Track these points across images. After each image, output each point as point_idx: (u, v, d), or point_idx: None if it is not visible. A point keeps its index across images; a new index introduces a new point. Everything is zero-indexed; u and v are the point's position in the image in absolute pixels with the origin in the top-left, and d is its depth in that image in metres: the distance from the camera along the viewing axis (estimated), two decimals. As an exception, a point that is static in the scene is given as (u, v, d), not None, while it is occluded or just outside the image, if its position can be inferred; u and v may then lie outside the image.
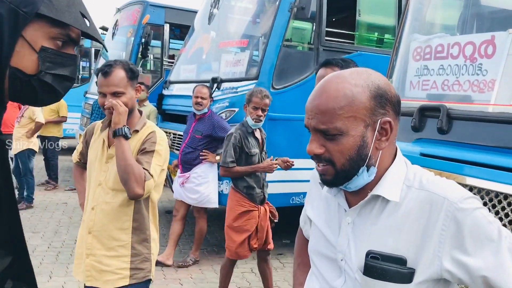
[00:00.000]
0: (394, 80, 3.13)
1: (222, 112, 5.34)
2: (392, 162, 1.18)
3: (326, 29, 5.32)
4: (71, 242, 5.53)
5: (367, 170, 1.14)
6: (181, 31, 11.41)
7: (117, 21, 9.65)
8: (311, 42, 5.52)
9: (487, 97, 2.52)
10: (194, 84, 6.02)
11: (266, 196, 4.11)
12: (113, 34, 9.67)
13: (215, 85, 5.36)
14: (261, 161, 4.07)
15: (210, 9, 6.30)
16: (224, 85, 5.34)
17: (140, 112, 2.42)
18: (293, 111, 5.19)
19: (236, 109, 5.11)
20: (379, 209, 1.17)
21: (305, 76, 5.22)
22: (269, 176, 5.32)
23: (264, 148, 4.19)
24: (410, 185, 1.15)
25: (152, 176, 2.20)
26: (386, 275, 1.09)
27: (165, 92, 6.72)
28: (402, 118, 2.90)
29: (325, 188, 1.29)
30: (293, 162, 4.20)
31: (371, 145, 1.13)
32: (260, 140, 4.14)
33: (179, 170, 5.09)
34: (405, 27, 3.18)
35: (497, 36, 2.55)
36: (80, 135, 9.38)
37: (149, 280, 2.37)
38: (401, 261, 1.10)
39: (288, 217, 6.59)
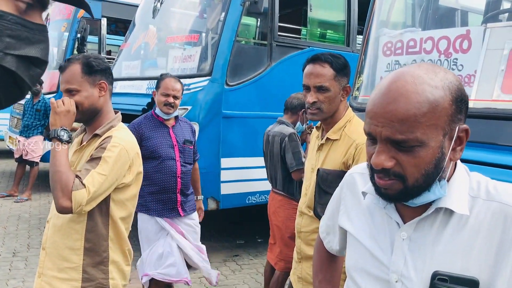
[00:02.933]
0: (364, 76, 3.06)
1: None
2: (454, 170, 1.06)
3: (279, 24, 5.20)
4: (9, 255, 5.06)
5: (439, 184, 1.01)
6: (117, 26, 10.92)
7: (48, 15, 9.03)
8: (264, 38, 5.39)
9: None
10: (138, 82, 5.75)
11: None
12: (44, 28, 9.03)
13: (165, 82, 5.08)
14: None
15: (154, 3, 6.00)
16: (175, 82, 5.08)
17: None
18: (248, 108, 5.05)
19: (189, 107, 4.88)
20: (442, 223, 1.03)
21: (259, 72, 5.07)
22: (223, 177, 5.14)
23: None
24: (476, 196, 1.03)
25: (84, 186, 1.80)
26: None
27: (106, 90, 6.31)
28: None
29: (369, 197, 1.15)
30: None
31: (447, 156, 1.00)
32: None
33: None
34: (373, 21, 3.12)
35: (473, 30, 2.53)
36: (10, 137, 8.70)
37: None
38: (474, 283, 0.97)
39: (242, 217, 6.47)
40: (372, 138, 1.02)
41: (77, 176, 1.83)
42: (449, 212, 1.02)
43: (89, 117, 2.01)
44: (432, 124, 0.95)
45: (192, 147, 3.52)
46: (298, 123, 3.79)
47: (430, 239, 1.03)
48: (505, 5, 3.34)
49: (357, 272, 1.16)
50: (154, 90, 3.38)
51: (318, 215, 2.03)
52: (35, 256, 4.97)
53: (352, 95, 3.04)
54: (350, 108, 2.18)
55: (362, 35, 6.40)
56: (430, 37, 2.70)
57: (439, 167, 0.98)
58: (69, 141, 1.91)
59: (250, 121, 5.05)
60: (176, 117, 3.49)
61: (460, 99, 0.99)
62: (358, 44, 5.97)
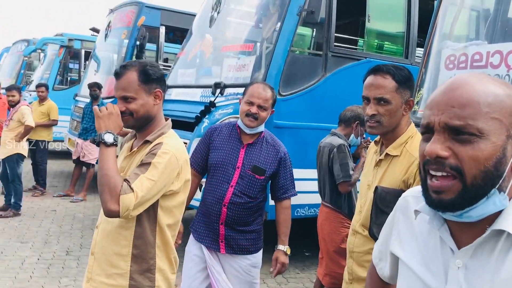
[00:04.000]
0: (424, 90, 2.93)
1: (226, 119, 5.10)
2: None
3: (335, 34, 5.11)
4: (62, 254, 5.22)
5: (500, 195, 0.91)
6: (174, 34, 11.16)
7: (110, 22, 9.37)
8: (319, 48, 5.31)
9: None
10: (193, 89, 5.82)
11: None
12: (106, 35, 9.38)
13: (218, 90, 5.11)
14: None
15: (211, 12, 6.07)
16: (228, 90, 5.10)
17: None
18: (300, 119, 4.98)
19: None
20: (503, 249, 0.92)
21: (313, 83, 5.00)
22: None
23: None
24: None
25: (132, 190, 1.78)
26: None
27: (162, 96, 6.43)
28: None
29: (420, 219, 1.06)
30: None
31: (509, 162, 0.91)
32: None
33: (205, 250, 2.86)
34: (436, 33, 2.99)
35: (546, 44, 2.36)
36: (69, 139, 9.06)
37: None
38: None
39: (291, 230, 6.37)
40: (428, 131, 0.94)
41: (125, 180, 1.82)
42: (511, 238, 0.91)
43: (142, 124, 2.01)
44: (496, 118, 0.88)
45: (263, 177, 2.71)
46: (352, 135, 3.69)
47: (490, 269, 0.92)
48: None
49: None
50: (241, 97, 2.85)
51: (374, 236, 1.93)
52: (87, 256, 5.10)
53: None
54: (413, 124, 2.07)
55: (421, 47, 6.21)
56: (499, 50, 2.55)
57: (500, 170, 0.89)
58: (115, 144, 1.89)
59: (302, 132, 4.97)
60: (261, 135, 2.79)
61: None
62: (418, 56, 5.77)
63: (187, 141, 5.40)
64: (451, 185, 0.91)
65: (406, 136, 2.01)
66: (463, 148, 0.89)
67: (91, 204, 7.50)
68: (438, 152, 0.90)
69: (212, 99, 5.14)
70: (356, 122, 3.67)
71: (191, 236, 2.94)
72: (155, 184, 1.84)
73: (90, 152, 7.64)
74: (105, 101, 7.92)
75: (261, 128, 2.79)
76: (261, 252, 2.87)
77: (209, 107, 5.16)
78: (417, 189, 1.16)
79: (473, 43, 2.74)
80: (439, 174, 0.92)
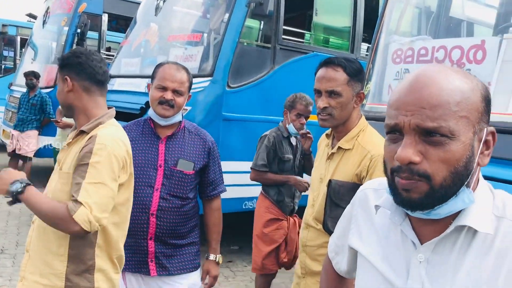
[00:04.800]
0: (372, 84, 2.97)
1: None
2: (477, 185, 0.96)
3: (283, 27, 5.11)
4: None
5: (467, 191, 0.91)
6: (117, 23, 10.80)
7: (48, 8, 8.93)
8: (267, 41, 5.29)
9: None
10: (137, 80, 5.65)
11: (296, 207, 3.81)
12: (44, 22, 8.94)
13: (165, 81, 4.98)
14: (294, 169, 3.76)
15: (157, 0, 5.91)
16: (175, 81, 4.98)
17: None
18: (249, 112, 4.95)
19: (188, 108, 4.77)
20: (464, 245, 0.93)
21: (262, 75, 4.98)
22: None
23: (297, 156, 3.86)
24: (501, 216, 0.93)
25: (80, 203, 1.69)
26: None
27: (105, 87, 6.20)
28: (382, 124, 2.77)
29: (381, 213, 1.05)
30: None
31: (476, 158, 0.91)
32: (295, 147, 3.84)
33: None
34: (383, 28, 3.04)
35: (488, 41, 2.45)
36: (4, 130, 8.56)
37: None
38: None
39: (237, 222, 6.35)
40: (395, 132, 0.92)
41: (72, 197, 1.73)
42: (472, 233, 0.92)
43: (70, 113, 1.95)
44: (464, 116, 0.88)
45: (193, 172, 2.30)
46: (291, 125, 3.67)
47: (451, 263, 0.93)
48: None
49: None
50: (149, 83, 2.38)
51: (328, 229, 1.93)
52: (23, 254, 4.85)
53: (359, 102, 2.95)
54: (363, 117, 2.08)
55: (366, 42, 6.34)
56: (443, 46, 2.62)
57: (469, 169, 0.89)
58: (25, 186, 1.78)
59: (250, 125, 4.95)
60: (181, 125, 2.35)
61: (488, 100, 0.92)
62: (363, 51, 5.89)
63: (132, 133, 5.23)
64: (419, 185, 0.89)
65: (358, 129, 2.02)
66: (434, 150, 0.88)
67: (28, 199, 7.13)
68: (410, 158, 0.88)
69: (158, 90, 5.01)
70: (285, 110, 3.71)
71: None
72: (102, 185, 1.75)
73: (27, 145, 7.26)
74: (43, 91, 7.55)
75: (179, 117, 2.33)
76: (199, 271, 2.44)
77: (155, 98, 5.02)
78: (376, 182, 1.15)
79: (419, 37, 2.80)
80: (408, 182, 0.90)
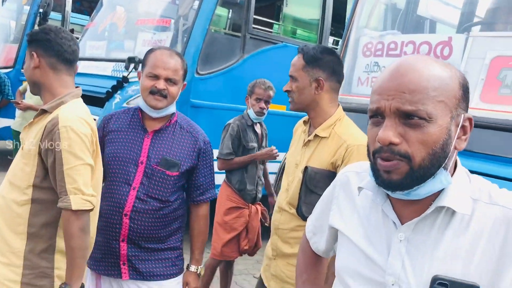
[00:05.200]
0: (342, 74, 3.04)
1: (139, 96, 4.91)
2: (455, 170, 1.03)
3: (254, 16, 5.13)
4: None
5: (445, 173, 0.97)
6: (82, 4, 10.53)
7: (8, -15, 8.57)
8: (237, 29, 5.30)
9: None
10: (103, 63, 5.53)
11: (259, 195, 3.80)
12: (3, 0, 8.57)
13: (132, 65, 4.91)
14: None
15: (126, -17, 5.80)
16: (143, 66, 4.92)
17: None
18: (217, 99, 4.95)
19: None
20: (443, 225, 0.99)
21: (231, 63, 4.98)
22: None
23: (263, 144, 3.84)
24: (477, 199, 1.00)
25: (68, 192, 1.72)
26: None
27: (68, 69, 6.05)
28: (357, 116, 2.84)
29: (362, 195, 1.10)
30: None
31: (453, 142, 0.97)
32: (260, 135, 3.80)
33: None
34: (354, 22, 3.11)
35: (455, 38, 2.55)
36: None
37: None
38: None
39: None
40: (377, 115, 0.98)
41: (61, 196, 1.75)
42: (450, 213, 0.99)
43: (35, 90, 1.94)
44: (441, 101, 0.94)
45: (177, 173, 2.08)
46: (251, 110, 3.67)
47: (430, 242, 0.99)
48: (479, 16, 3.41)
49: (348, 274, 1.11)
50: (139, 70, 2.20)
51: (302, 215, 1.98)
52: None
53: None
54: (341, 107, 2.13)
55: (334, 36, 6.45)
56: (412, 41, 2.71)
57: (446, 151, 0.96)
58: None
59: (218, 112, 4.95)
60: (173, 119, 2.14)
61: (466, 88, 0.99)
62: (330, 44, 5.98)
63: (96, 117, 5.14)
64: (399, 166, 0.95)
65: (335, 119, 2.06)
66: (413, 132, 0.94)
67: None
68: (391, 139, 0.94)
69: (125, 74, 4.93)
70: (246, 96, 3.74)
71: (87, 269, 2.19)
72: (81, 166, 1.76)
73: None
74: (1, 71, 7.27)
75: (172, 108, 2.11)
76: (180, 278, 2.22)
77: (121, 82, 4.94)
78: (357, 166, 1.20)
79: (389, 32, 2.89)
80: (389, 163, 0.96)
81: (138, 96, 4.98)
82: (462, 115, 0.98)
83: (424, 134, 0.94)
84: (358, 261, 1.08)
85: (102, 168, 1.98)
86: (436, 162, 0.95)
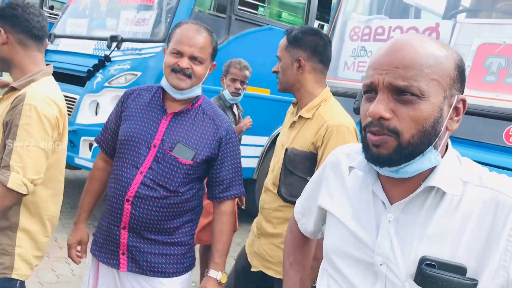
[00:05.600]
0: (329, 58, 3.02)
1: (121, 76, 4.83)
2: (445, 151, 1.02)
3: (240, -3, 5.06)
4: None
5: (434, 152, 0.97)
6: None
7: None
8: (222, 10, 5.22)
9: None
10: (85, 41, 5.41)
11: None
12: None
13: (115, 44, 4.81)
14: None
15: (108, -41, 5.64)
16: (125, 45, 4.82)
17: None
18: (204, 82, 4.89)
19: (138, 73, 4.65)
20: (432, 205, 0.99)
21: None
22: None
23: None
24: (467, 181, 0.99)
25: (10, 168, 1.67)
26: (447, 286, 0.92)
27: (48, 46, 5.91)
28: (342, 99, 2.83)
29: (353, 175, 1.10)
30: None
31: (445, 121, 0.97)
32: (237, 117, 3.71)
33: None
34: (342, 6, 3.08)
35: (442, 24, 2.55)
36: None
37: (10, 280, 1.80)
38: (461, 270, 0.94)
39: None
40: (371, 91, 0.98)
41: (2, 166, 1.69)
42: (440, 195, 0.99)
43: (5, 67, 1.89)
44: (435, 79, 0.94)
45: (191, 163, 1.87)
46: (226, 90, 3.57)
47: (419, 222, 0.99)
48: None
49: (337, 255, 1.11)
50: (165, 46, 2.02)
51: (282, 195, 1.98)
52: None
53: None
54: (327, 88, 2.12)
55: (319, 20, 6.40)
56: (399, 26, 2.70)
57: (436, 130, 0.96)
58: None
59: (204, 95, 4.89)
60: (197, 102, 1.95)
61: (461, 69, 0.99)
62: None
63: (77, 97, 5.04)
64: (387, 139, 0.94)
65: (320, 100, 2.05)
66: (404, 108, 0.93)
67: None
68: (381, 113, 0.94)
69: (107, 52, 4.84)
70: (222, 77, 3.65)
71: (89, 256, 2.07)
72: (33, 148, 1.72)
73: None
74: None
75: (198, 91, 1.93)
76: (187, 275, 1.98)
77: (103, 61, 4.85)
78: (348, 147, 1.20)
79: (376, 17, 2.87)
80: (378, 137, 0.95)
81: (120, 76, 4.90)
82: (456, 96, 0.98)
83: (415, 110, 0.93)
84: (346, 242, 1.08)
85: (65, 153, 1.94)
86: (425, 139, 0.95)
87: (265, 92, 5.29)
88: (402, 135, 0.94)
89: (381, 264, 1.01)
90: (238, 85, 3.49)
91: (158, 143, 1.86)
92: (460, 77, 0.98)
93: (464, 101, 1.00)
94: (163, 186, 1.84)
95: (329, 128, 1.93)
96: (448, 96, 0.96)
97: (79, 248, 2.08)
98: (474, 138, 2.13)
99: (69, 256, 2.07)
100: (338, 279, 1.09)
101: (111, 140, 2.01)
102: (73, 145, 4.76)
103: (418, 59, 0.93)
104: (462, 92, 1.00)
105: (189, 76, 1.83)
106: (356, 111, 2.54)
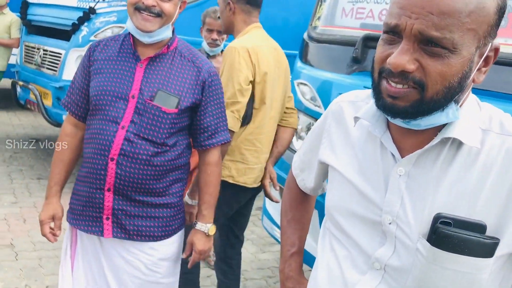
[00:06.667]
0: (324, 6, 2.85)
1: (108, 28, 4.62)
2: (465, 101, 0.90)
3: None
4: None
5: (455, 107, 0.85)
6: None
7: None
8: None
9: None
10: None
11: None
12: None
13: (99, -5, 4.58)
14: None
15: None
16: (111, -5, 4.60)
17: None
18: (190, 33, 4.69)
19: (125, 25, 4.45)
20: (448, 158, 0.88)
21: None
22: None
23: None
24: (488, 129, 0.88)
25: None
26: (465, 246, 0.82)
27: (30, -1, 5.65)
28: (340, 48, 2.68)
29: (358, 126, 0.98)
30: None
31: (472, 75, 0.84)
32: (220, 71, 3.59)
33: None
34: None
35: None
36: None
37: None
38: (481, 228, 0.83)
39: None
40: (393, 33, 0.84)
41: None
42: (457, 145, 0.88)
43: None
44: (472, 29, 0.80)
45: (175, 111, 1.71)
46: (204, 42, 3.38)
47: (433, 176, 0.88)
48: None
49: (340, 213, 1.00)
50: None
51: None
52: None
53: (312, 24, 2.83)
54: (252, 25, 2.36)
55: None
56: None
57: (462, 85, 0.83)
58: None
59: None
60: (172, 45, 1.75)
61: (502, 12, 0.84)
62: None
63: (63, 52, 4.85)
64: (409, 92, 0.83)
65: (239, 36, 2.36)
66: (432, 62, 0.80)
67: None
68: (405, 66, 0.80)
69: (92, 4, 4.62)
70: (200, 28, 3.48)
71: (67, 226, 1.89)
72: None
73: None
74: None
75: (168, 32, 1.72)
76: (177, 236, 1.87)
77: (88, 14, 4.65)
78: (352, 94, 1.07)
79: (377, -42, 2.68)
80: (400, 86, 0.83)
81: (106, 29, 4.69)
82: (490, 44, 0.85)
83: (444, 65, 0.80)
84: (351, 199, 0.98)
85: None
86: (449, 96, 0.83)
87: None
88: (426, 89, 0.82)
89: (390, 223, 0.91)
90: (215, 35, 3.31)
91: (137, 93, 1.69)
92: (499, 21, 0.84)
93: (497, 49, 0.87)
94: (148, 140, 1.69)
95: (225, 50, 2.24)
96: (481, 46, 0.83)
97: (52, 224, 1.87)
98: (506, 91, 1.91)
99: (43, 233, 1.86)
100: (342, 239, 1.00)
101: (80, 100, 1.82)
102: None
103: (458, 5, 0.78)
104: (495, 37, 0.86)
105: (158, 15, 1.64)
106: (356, 60, 2.40)
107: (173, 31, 1.76)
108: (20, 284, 2.95)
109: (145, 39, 1.68)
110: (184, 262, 1.93)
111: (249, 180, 2.31)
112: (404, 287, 0.91)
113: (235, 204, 2.43)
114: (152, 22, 1.64)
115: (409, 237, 0.89)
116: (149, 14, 1.63)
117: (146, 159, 1.69)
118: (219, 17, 3.28)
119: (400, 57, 0.81)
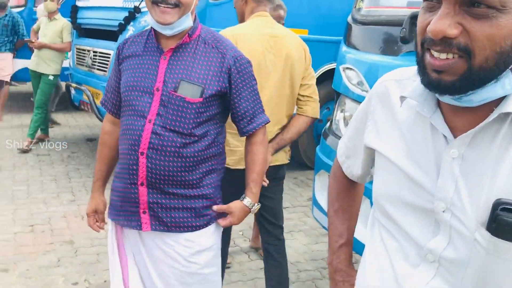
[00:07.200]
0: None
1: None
2: None
3: None
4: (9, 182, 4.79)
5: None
6: None
7: None
8: None
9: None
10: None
11: None
12: None
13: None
14: None
15: None
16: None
17: None
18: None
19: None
20: (507, 136, 0.78)
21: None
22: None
23: None
24: None
25: None
26: None
27: (79, 3, 5.82)
28: (387, 28, 2.55)
29: (406, 106, 0.90)
30: None
31: None
32: None
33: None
34: None
35: None
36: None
37: None
38: None
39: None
40: None
41: None
42: None
43: None
44: None
45: (200, 100, 1.68)
46: None
47: (491, 158, 0.79)
48: None
49: (389, 202, 0.93)
50: None
51: None
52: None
53: (356, 6, 2.73)
54: (256, 14, 2.40)
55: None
56: None
57: None
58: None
59: (236, 40, 4.69)
60: (194, 34, 1.73)
61: None
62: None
63: (111, 52, 4.96)
64: (455, 63, 0.74)
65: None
66: (477, 24, 0.72)
67: (7, 124, 6.92)
68: (446, 32, 0.72)
69: (137, 3, 4.69)
70: None
71: (109, 222, 1.93)
72: None
73: (1, 68, 6.89)
74: (13, 10, 7.07)
75: (188, 22, 1.69)
76: (215, 226, 1.85)
77: (133, 13, 4.73)
78: (398, 72, 0.99)
79: None
80: (444, 56, 0.75)
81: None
82: None
83: (492, 27, 0.71)
84: (399, 185, 0.90)
85: None
86: (502, 63, 0.73)
87: (303, 33, 5.01)
88: (474, 56, 0.73)
89: (443, 211, 0.83)
90: None
91: (161, 86, 1.68)
92: None
93: None
94: (175, 131, 1.68)
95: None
96: None
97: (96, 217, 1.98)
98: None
99: (89, 225, 1.98)
100: (392, 230, 0.92)
101: (115, 98, 1.85)
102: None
103: None
104: None
105: (176, 5, 1.61)
106: (403, 40, 2.28)
107: (194, 19, 1.74)
108: (80, 279, 3.05)
109: (166, 31, 1.66)
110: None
111: (231, 161, 2.28)
112: (462, 281, 0.83)
113: (223, 185, 2.05)
114: (171, 13, 1.62)
115: (465, 226, 0.80)
116: (166, 6, 1.61)
117: (174, 151, 1.68)
118: (278, 6, 3.30)
119: (440, 21, 0.72)
